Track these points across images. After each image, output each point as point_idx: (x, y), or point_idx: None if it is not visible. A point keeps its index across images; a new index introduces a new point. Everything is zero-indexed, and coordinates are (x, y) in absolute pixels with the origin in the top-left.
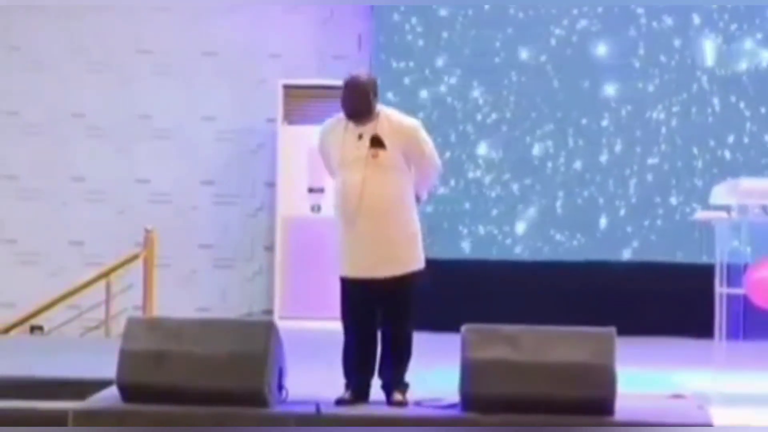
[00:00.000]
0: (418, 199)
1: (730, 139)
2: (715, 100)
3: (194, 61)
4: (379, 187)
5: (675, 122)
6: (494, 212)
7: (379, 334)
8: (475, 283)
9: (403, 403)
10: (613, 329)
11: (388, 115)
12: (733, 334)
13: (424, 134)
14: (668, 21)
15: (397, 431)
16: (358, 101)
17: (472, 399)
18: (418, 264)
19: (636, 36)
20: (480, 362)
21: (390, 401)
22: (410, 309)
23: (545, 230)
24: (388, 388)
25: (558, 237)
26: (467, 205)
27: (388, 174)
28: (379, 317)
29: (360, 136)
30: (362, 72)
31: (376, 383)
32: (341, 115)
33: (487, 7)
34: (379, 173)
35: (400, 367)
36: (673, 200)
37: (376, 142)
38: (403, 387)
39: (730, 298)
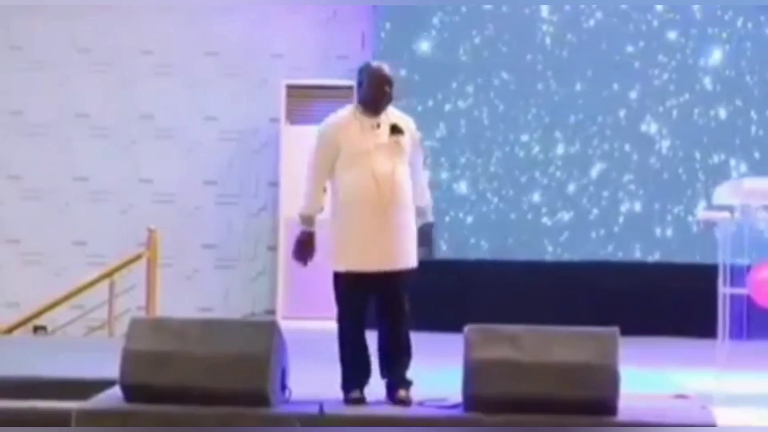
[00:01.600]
0: (429, 209)
1: (734, 143)
2: (718, 103)
3: (197, 61)
4: (404, 175)
5: (675, 125)
6: (492, 216)
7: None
8: (477, 283)
9: (407, 401)
10: (616, 329)
11: (392, 110)
12: (736, 334)
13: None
14: (668, 18)
15: (400, 431)
16: (384, 92)
17: (475, 399)
18: (416, 259)
19: (634, 34)
20: (483, 362)
21: (395, 399)
22: (409, 304)
23: (544, 234)
24: (392, 387)
25: (556, 241)
26: (465, 207)
27: (406, 163)
28: (381, 313)
29: (378, 125)
30: (382, 63)
31: (376, 383)
32: (346, 110)
33: (482, 5)
34: (402, 162)
35: (405, 365)
36: (673, 203)
37: (396, 130)
38: (407, 385)
39: (734, 298)
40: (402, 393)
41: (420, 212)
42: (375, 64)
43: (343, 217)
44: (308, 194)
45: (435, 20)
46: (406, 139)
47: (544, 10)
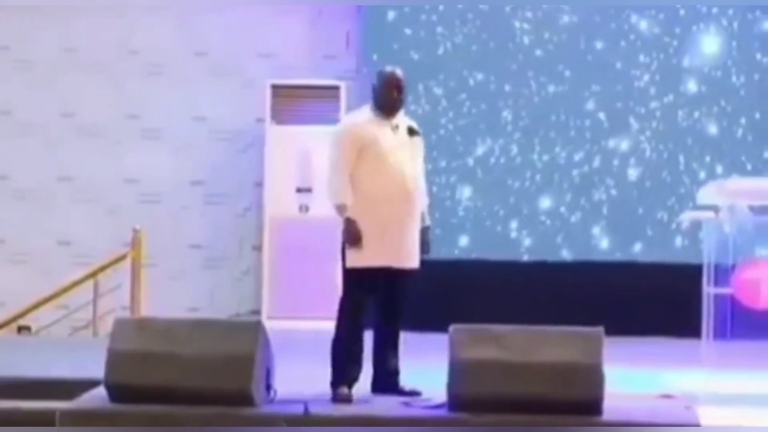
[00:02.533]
0: (426, 214)
1: (720, 147)
2: (703, 105)
3: (184, 61)
4: (422, 176)
5: (658, 127)
6: (470, 218)
7: (370, 331)
8: (463, 283)
9: (417, 392)
10: (601, 329)
11: (400, 113)
12: (720, 333)
13: None
14: (652, 17)
15: (385, 431)
16: (398, 95)
17: (460, 399)
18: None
19: (616, 33)
20: (468, 362)
21: (405, 392)
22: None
23: (527, 235)
24: (395, 380)
25: (540, 241)
26: (454, 207)
27: (421, 165)
28: (384, 311)
29: (396, 127)
30: (395, 67)
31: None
32: (363, 112)
33: (460, 6)
34: (420, 163)
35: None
36: (656, 207)
37: (413, 132)
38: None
39: (718, 298)
40: (406, 385)
41: (422, 216)
42: (388, 69)
43: (365, 215)
44: (341, 184)
45: (416, 19)
46: (421, 141)
47: (516, 13)
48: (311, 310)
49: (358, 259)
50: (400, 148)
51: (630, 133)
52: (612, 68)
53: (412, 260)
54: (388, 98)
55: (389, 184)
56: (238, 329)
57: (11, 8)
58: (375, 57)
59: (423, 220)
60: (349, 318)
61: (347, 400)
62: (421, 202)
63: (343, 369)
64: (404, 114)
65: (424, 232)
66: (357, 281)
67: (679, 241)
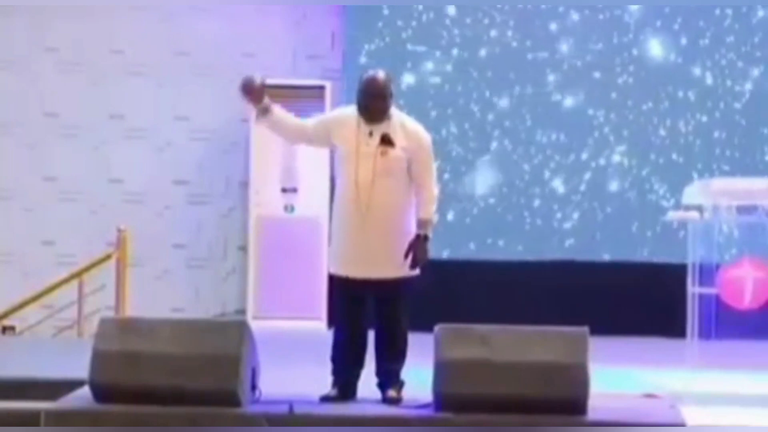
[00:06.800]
0: (426, 222)
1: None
2: (692, 111)
3: (168, 61)
4: (388, 187)
5: (640, 132)
6: (465, 215)
7: (371, 333)
8: (448, 283)
9: (394, 400)
10: (585, 329)
11: (402, 120)
12: (705, 333)
13: (431, 149)
14: (631, 19)
15: (369, 431)
16: (374, 101)
17: (445, 399)
18: (412, 270)
19: (596, 36)
20: (453, 362)
21: (383, 398)
22: (404, 309)
23: (511, 233)
24: (381, 386)
25: (525, 240)
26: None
27: (394, 174)
28: (373, 316)
29: (371, 134)
30: (380, 72)
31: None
32: (351, 110)
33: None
34: (387, 172)
35: (395, 366)
36: (646, 203)
37: (386, 141)
38: (397, 385)
39: (703, 298)
40: (390, 392)
41: (417, 224)
42: (369, 74)
43: (333, 220)
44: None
45: (401, 19)
46: (396, 152)
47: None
48: (296, 310)
49: (330, 265)
50: (364, 157)
51: (610, 137)
52: (592, 72)
53: (374, 271)
54: (364, 106)
55: (344, 192)
56: (223, 329)
57: None
58: (360, 57)
59: (420, 227)
60: (337, 319)
61: (328, 400)
62: (391, 214)
63: (333, 369)
64: (394, 119)
65: (415, 241)
66: (333, 286)
67: (663, 240)
